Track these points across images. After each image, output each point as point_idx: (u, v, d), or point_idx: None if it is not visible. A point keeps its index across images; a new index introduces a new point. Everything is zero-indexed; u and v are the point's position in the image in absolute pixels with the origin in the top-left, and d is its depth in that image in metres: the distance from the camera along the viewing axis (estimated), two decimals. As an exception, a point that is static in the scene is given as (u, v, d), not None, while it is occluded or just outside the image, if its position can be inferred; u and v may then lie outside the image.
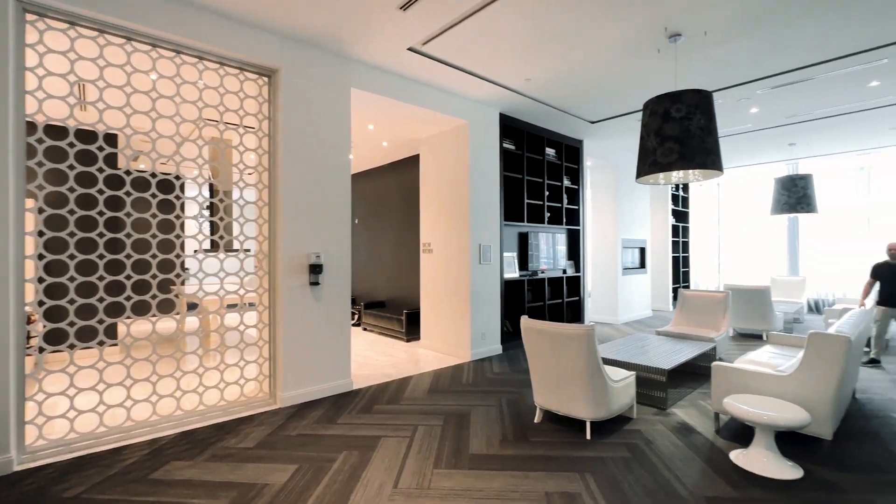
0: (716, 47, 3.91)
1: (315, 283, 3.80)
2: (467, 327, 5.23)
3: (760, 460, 2.55)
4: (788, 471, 2.49)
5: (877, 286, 5.14)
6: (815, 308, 8.91)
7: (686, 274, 10.39)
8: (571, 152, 6.96)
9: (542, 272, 6.40)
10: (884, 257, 5.16)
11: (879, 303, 5.00)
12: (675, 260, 9.91)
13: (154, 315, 3.33)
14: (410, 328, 6.29)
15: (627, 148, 7.54)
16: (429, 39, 3.77)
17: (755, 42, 3.82)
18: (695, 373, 4.53)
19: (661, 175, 3.75)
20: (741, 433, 3.05)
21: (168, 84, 3.27)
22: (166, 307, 6.43)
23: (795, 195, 7.08)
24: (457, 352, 5.36)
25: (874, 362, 4.94)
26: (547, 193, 6.54)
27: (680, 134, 3.37)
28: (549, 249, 6.55)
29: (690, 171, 3.65)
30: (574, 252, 7.07)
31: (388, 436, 3.06)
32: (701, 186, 10.53)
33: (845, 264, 8.63)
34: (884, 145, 7.58)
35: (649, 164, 3.53)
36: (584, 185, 7.12)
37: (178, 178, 3.56)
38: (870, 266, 5.34)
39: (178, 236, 3.56)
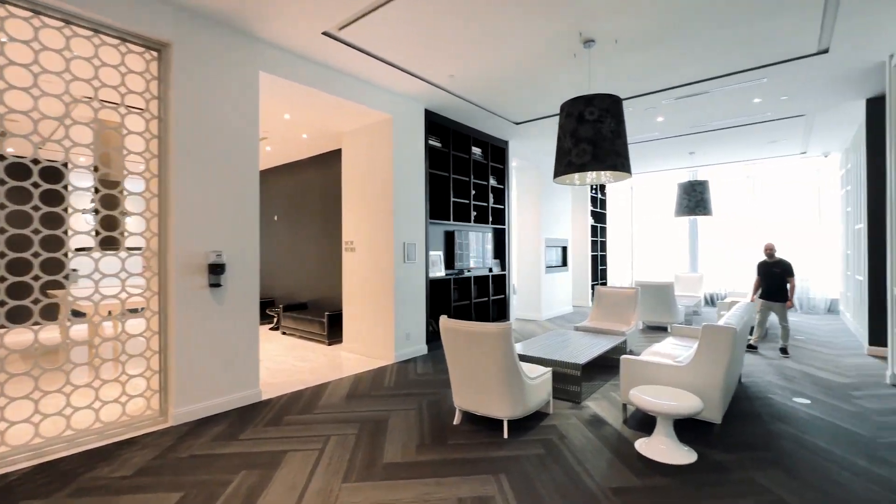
0: (625, 56, 4.12)
1: (216, 285, 3.42)
2: (391, 328, 5.07)
3: (661, 447, 2.68)
4: (685, 455, 2.64)
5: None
6: (711, 301, 9.92)
7: (604, 271, 11.06)
8: (497, 152, 7.05)
9: (469, 271, 6.41)
10: (763, 257, 5.80)
11: (761, 296, 5.62)
12: (594, 258, 10.50)
13: (37, 323, 2.79)
14: (332, 331, 5.98)
15: (550, 150, 7.82)
16: (345, 24, 3.56)
17: (659, 54, 4.08)
18: (608, 365, 4.76)
19: (577, 175, 3.87)
20: (645, 422, 3.21)
21: (24, 50, 2.74)
22: (49, 314, 5.48)
23: (694, 199, 7.79)
24: (380, 354, 5.18)
25: (751, 348, 5.55)
26: (473, 192, 6.56)
27: (593, 136, 3.48)
28: (476, 248, 6.59)
29: (603, 172, 3.82)
30: (500, 251, 7.18)
31: (295, 450, 2.82)
32: (613, 187, 11.27)
33: (735, 262, 9.69)
34: (764, 157, 8.60)
35: (565, 164, 3.62)
36: (510, 186, 7.26)
37: (66, 165, 3.00)
38: (755, 265, 5.98)
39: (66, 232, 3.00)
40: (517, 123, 6.29)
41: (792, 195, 9.10)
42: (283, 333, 6.80)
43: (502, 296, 7.11)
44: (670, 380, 3.07)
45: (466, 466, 2.59)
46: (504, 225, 7.15)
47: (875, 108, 5.19)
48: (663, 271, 10.50)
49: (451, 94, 5.06)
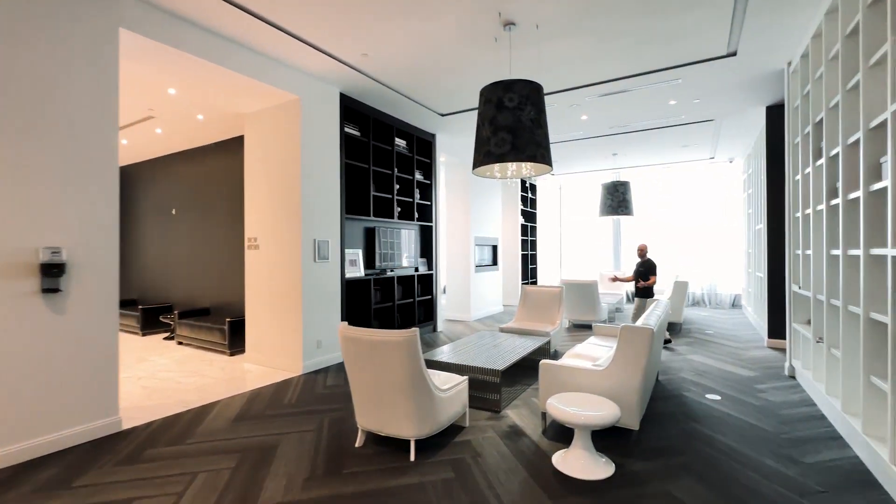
0: (547, 45, 3.93)
1: (52, 290, 2.71)
2: (299, 335, 4.52)
3: (579, 461, 2.46)
4: (602, 469, 2.44)
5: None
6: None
7: (534, 270, 11.16)
8: (424, 145, 6.71)
9: (392, 270, 6.00)
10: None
11: (636, 294, 5.85)
12: (525, 257, 10.54)
13: None
14: (235, 340, 5.29)
15: (479, 146, 7.63)
16: (228, -21, 3.00)
17: (580, 46, 3.95)
18: (533, 367, 4.58)
19: (497, 167, 3.61)
20: (564, 432, 3.01)
21: None
22: None
23: (617, 199, 8.00)
24: (286, 365, 4.61)
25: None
26: (397, 187, 6.16)
27: (512, 124, 3.23)
28: (400, 246, 6.19)
29: (523, 165, 3.59)
30: (427, 249, 6.85)
31: (145, 497, 2.25)
32: (543, 186, 11.43)
33: (655, 260, 10.16)
34: (678, 160, 9.08)
35: (484, 154, 3.33)
36: (437, 181, 6.95)
37: None
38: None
39: None
40: (443, 115, 5.99)
41: (701, 198, 9.72)
42: (180, 343, 5.94)
43: (429, 296, 6.78)
44: (590, 384, 2.89)
45: (362, 502, 2.19)
46: (431, 222, 6.82)
47: (774, 115, 5.52)
48: (589, 270, 10.80)
49: (368, 76, 4.61)
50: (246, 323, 5.03)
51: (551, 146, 7.60)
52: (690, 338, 6.20)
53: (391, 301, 5.93)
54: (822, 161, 3.32)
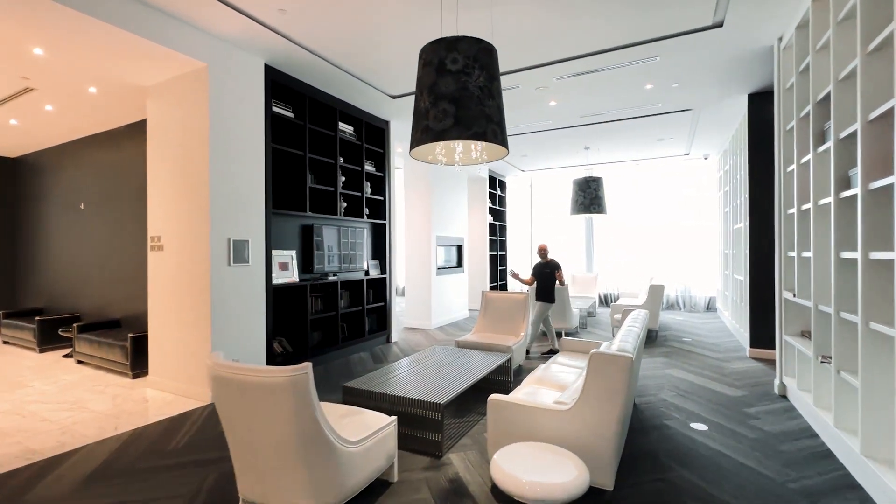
0: (504, 8, 3.26)
1: None
2: (207, 353, 3.70)
3: (533, 544, 1.78)
4: (565, 554, 1.76)
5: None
6: (605, 301, 9.85)
7: (503, 272, 10.55)
8: (375, 133, 5.96)
9: (335, 275, 5.22)
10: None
11: (538, 298, 5.32)
12: (493, 258, 9.91)
13: None
14: (139, 359, 4.40)
15: (441, 137, 6.93)
16: None
17: (546, 14, 3.29)
18: (490, 389, 3.91)
19: (441, 148, 2.90)
20: (520, 486, 2.33)
21: None
22: None
23: (589, 196, 7.44)
24: (193, 391, 3.78)
25: (552, 353, 5.35)
26: (343, 179, 5.39)
27: (456, 92, 2.53)
28: (348, 247, 5.42)
29: (473, 146, 2.90)
30: (380, 250, 6.09)
31: None
32: (512, 183, 10.83)
33: (627, 261, 9.72)
34: (652, 157, 8.63)
35: (421, 130, 2.62)
36: (392, 174, 6.20)
37: None
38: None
39: None
40: (394, 97, 5.25)
41: (675, 196, 9.31)
42: (80, 363, 4.99)
43: (382, 303, 6.03)
44: (552, 429, 2.22)
45: None
46: (385, 220, 6.07)
47: (758, 103, 5.04)
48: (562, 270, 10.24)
49: (294, 42, 3.83)
50: (149, 339, 4.17)
51: (519, 137, 6.99)
52: (668, 347, 5.67)
53: (334, 310, 5.15)
54: (829, 145, 2.76)
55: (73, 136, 5.94)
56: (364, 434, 2.14)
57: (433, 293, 7.24)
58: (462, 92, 2.53)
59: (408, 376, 3.22)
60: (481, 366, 3.48)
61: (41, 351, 5.56)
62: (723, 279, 7.86)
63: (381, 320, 6.06)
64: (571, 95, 5.19)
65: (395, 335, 6.24)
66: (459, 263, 8.33)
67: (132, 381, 4.30)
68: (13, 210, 7.04)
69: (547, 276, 5.34)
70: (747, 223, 5.20)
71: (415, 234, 7.35)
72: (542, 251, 5.56)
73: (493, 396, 2.38)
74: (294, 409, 1.77)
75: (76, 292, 6.01)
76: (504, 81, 4.68)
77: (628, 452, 2.72)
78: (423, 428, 2.74)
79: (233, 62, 3.87)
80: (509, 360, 3.90)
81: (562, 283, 5.43)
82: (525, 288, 9.00)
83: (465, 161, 2.99)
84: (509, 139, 7.10)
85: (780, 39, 3.78)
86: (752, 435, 3.00)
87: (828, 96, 2.84)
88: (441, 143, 2.83)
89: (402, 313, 7.66)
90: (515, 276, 5.69)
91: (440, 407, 2.67)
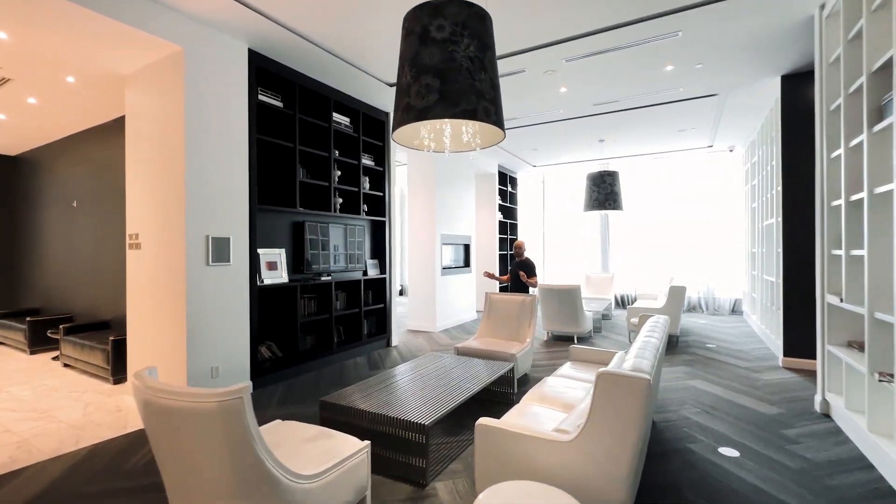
0: (505, -30, 2.89)
1: None
2: (182, 361, 3.42)
3: None
4: None
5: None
6: (622, 303, 9.35)
7: (515, 272, 10.12)
8: (374, 125, 5.63)
9: (329, 275, 4.92)
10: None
11: None
12: (504, 258, 9.51)
13: None
14: (119, 363, 4.16)
15: (445, 129, 6.57)
16: None
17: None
18: (489, 400, 3.54)
19: (426, 130, 2.54)
20: (514, 528, 1.96)
21: None
22: None
23: (604, 192, 6.99)
24: (169, 401, 3.51)
25: None
26: (338, 173, 5.08)
27: (441, 63, 2.17)
28: (344, 246, 5.11)
29: (464, 126, 2.53)
30: (379, 249, 5.77)
31: None
32: (524, 179, 10.40)
33: (645, 261, 9.19)
34: (673, 150, 8.10)
35: (403, 109, 2.28)
36: (392, 169, 5.87)
37: None
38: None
39: None
40: (391, 85, 4.91)
41: (698, 192, 8.74)
42: (66, 366, 4.81)
43: (382, 305, 5.70)
44: (551, 464, 1.84)
45: None
46: (384, 216, 5.74)
47: (792, 84, 4.54)
48: (576, 271, 9.78)
49: (281, 25, 3.52)
50: (128, 343, 3.92)
51: (528, 129, 6.58)
52: (690, 354, 5.20)
53: (328, 313, 4.84)
54: (890, 121, 2.31)
55: (65, 133, 5.78)
56: (326, 465, 1.79)
57: (438, 294, 6.88)
58: (448, 63, 2.17)
59: (394, 389, 2.87)
60: (478, 378, 3.11)
61: (32, 353, 5.41)
62: (750, 280, 7.30)
63: (381, 323, 5.74)
64: (583, 81, 4.77)
65: (396, 339, 5.91)
66: (467, 263, 7.96)
67: (111, 388, 4.07)
68: (12, 208, 6.95)
69: (518, 277, 5.05)
70: (780, 219, 4.70)
71: (418, 232, 7.01)
72: (518, 249, 5.23)
73: (481, 422, 2.00)
74: (227, 441, 1.44)
75: (70, 292, 5.85)
76: (508, 65, 4.30)
77: (646, 482, 2.32)
78: (405, 451, 2.39)
79: (211, 46, 3.59)
80: (512, 371, 3.53)
81: (533, 286, 5.13)
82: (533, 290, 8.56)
83: (456, 147, 2.62)
84: (517, 131, 6.70)
85: (823, 7, 3.30)
86: (793, 464, 2.56)
87: (889, 63, 2.38)
88: (426, 124, 2.47)
89: (405, 315, 7.34)
90: (490, 275, 5.42)
91: (425, 429, 2.31)
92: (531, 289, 5.39)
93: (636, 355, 1.96)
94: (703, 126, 6.54)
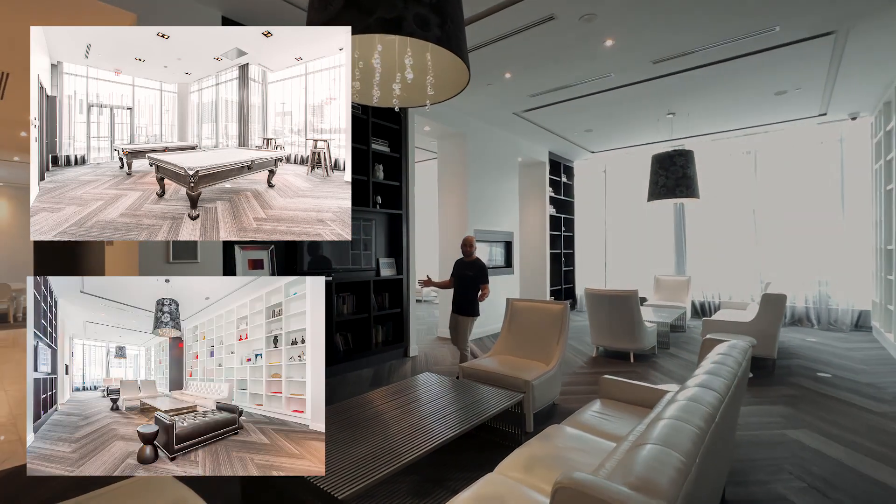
0: None
1: None
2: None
3: None
4: None
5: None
6: (701, 311, 7.77)
7: (569, 273, 8.97)
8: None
9: (329, 275, 4.33)
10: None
11: (455, 310, 3.88)
12: (556, 257, 8.42)
13: None
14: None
15: (480, 106, 5.74)
16: None
17: None
18: (493, 440, 2.69)
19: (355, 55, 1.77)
20: None
21: None
22: None
23: (674, 175, 5.70)
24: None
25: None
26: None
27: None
28: (348, 241, 4.51)
29: (405, 60, 1.73)
30: (395, 246, 5.11)
31: None
32: (581, 168, 9.15)
33: (733, 262, 7.55)
34: (769, 122, 6.48)
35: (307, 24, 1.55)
36: (411, 155, 5.17)
37: None
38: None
39: None
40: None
41: (806, 175, 6.94)
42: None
43: (399, 309, 5.03)
44: None
45: None
46: (401, 209, 5.06)
47: (959, 0, 3.09)
48: (642, 273, 8.36)
49: (238, -23, 2.98)
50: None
51: (574, 103, 5.49)
52: (793, 386, 3.86)
53: (328, 318, 4.26)
54: None
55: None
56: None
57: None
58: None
59: (344, 428, 2.15)
60: (465, 419, 2.27)
61: None
62: (883, 286, 5.53)
63: (398, 330, 5.06)
64: (634, 27, 3.69)
65: (416, 348, 5.21)
66: (508, 263, 7.03)
67: None
68: None
69: (469, 281, 3.84)
70: (938, 199, 3.25)
71: (448, 227, 6.24)
72: (467, 246, 3.91)
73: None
74: None
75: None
76: (529, 10, 3.39)
77: None
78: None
79: (175, 12, 3.14)
80: (521, 405, 2.63)
81: (486, 295, 3.84)
82: (622, 287, 7.38)
83: (406, 99, 1.82)
84: (560, 106, 5.63)
85: None
86: None
87: None
88: (356, 48, 1.71)
89: (437, 322, 6.60)
90: (427, 282, 3.99)
91: (339, 506, 1.55)
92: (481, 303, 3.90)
93: (664, 437, 1.02)
94: (812, 84, 5.01)
